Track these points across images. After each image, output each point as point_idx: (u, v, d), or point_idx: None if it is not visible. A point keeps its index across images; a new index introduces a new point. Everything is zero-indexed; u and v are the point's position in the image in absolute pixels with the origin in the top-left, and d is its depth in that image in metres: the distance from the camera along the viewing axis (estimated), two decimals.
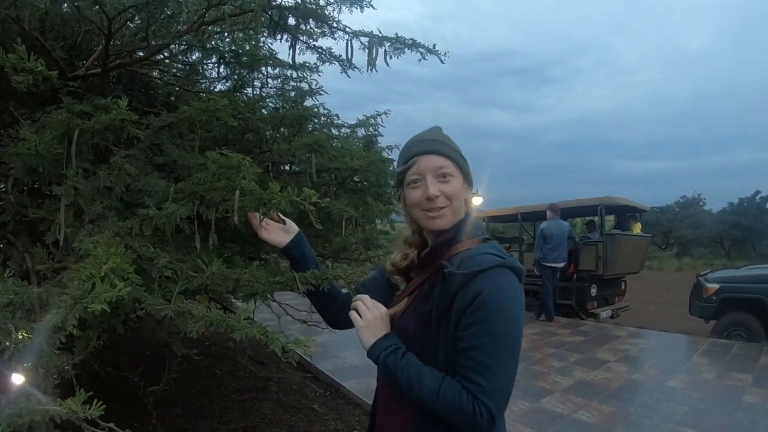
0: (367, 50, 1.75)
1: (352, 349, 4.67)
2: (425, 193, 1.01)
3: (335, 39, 1.89)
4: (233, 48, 2.13)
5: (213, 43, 2.08)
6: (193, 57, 2.19)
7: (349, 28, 1.80)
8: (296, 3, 1.68)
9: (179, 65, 2.31)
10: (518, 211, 8.86)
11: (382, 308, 1.06)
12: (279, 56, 2.21)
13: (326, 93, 2.13)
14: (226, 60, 2.08)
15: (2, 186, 1.46)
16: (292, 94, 2.14)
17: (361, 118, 2.34)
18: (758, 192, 27.86)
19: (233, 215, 1.17)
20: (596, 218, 7.93)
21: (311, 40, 2.02)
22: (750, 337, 5.95)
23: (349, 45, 1.81)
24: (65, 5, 1.77)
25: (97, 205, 1.31)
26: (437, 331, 0.95)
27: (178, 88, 2.24)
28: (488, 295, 0.89)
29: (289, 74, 2.31)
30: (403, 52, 1.75)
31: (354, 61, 1.88)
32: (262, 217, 1.18)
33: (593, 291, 7.65)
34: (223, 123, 1.50)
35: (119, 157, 1.39)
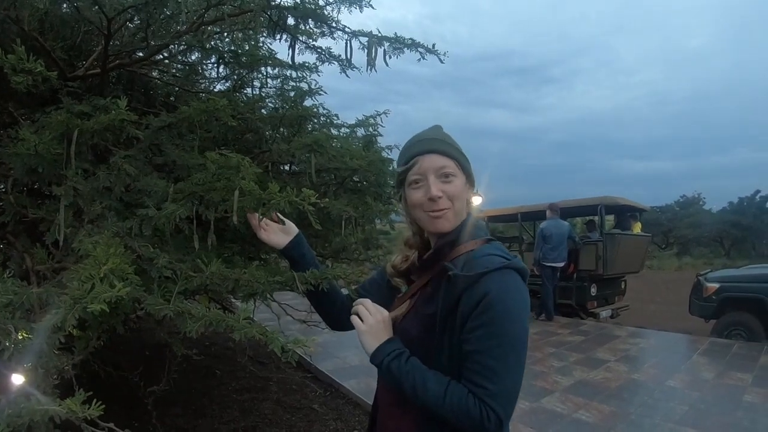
0: (366, 50, 1.75)
1: (352, 349, 4.67)
2: (427, 194, 0.98)
3: (334, 39, 1.89)
4: (232, 48, 2.13)
5: (212, 43, 2.08)
6: (193, 57, 2.19)
7: (349, 28, 1.80)
8: (295, 3, 1.68)
9: (179, 65, 2.31)
10: (518, 210, 8.86)
11: (384, 312, 1.04)
12: (278, 56, 2.21)
13: (325, 93, 2.13)
14: (226, 60, 2.08)
15: (2, 186, 1.46)
16: (292, 94, 2.15)
17: (360, 118, 2.33)
18: (758, 191, 27.88)
19: (232, 215, 1.17)
20: (596, 218, 7.93)
21: (310, 40, 2.02)
22: (750, 336, 5.96)
23: (349, 45, 1.81)
24: (64, 6, 1.77)
25: (97, 205, 1.31)
26: (441, 334, 0.93)
27: (177, 89, 2.24)
28: (494, 297, 0.87)
29: (288, 74, 2.31)
30: (403, 52, 1.75)
31: (353, 61, 1.87)
32: (261, 217, 1.18)
33: (593, 290, 7.65)
34: (223, 123, 1.50)
35: (119, 158, 1.39)
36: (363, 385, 3.87)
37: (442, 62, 1.78)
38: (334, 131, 2.37)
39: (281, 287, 1.26)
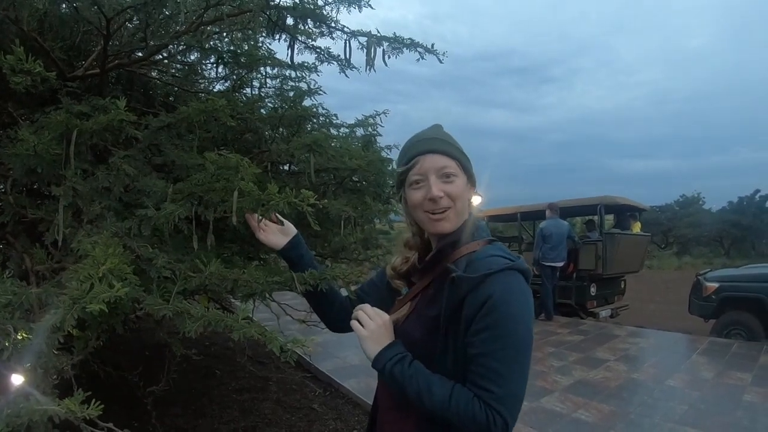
0: (365, 50, 1.75)
1: (352, 348, 4.67)
2: (428, 194, 0.97)
3: (333, 39, 1.89)
4: (232, 48, 2.14)
5: (211, 43, 2.09)
6: (192, 57, 2.19)
7: (348, 28, 1.80)
8: (294, 3, 1.68)
9: (178, 65, 2.32)
10: (518, 210, 8.86)
11: (385, 315, 1.03)
12: (277, 56, 2.21)
13: (325, 93, 2.13)
14: (225, 60, 2.08)
15: (1, 187, 1.46)
16: (291, 94, 2.15)
17: (359, 118, 2.34)
18: (758, 191, 27.87)
19: (232, 216, 1.17)
20: (596, 217, 7.93)
21: (310, 40, 2.03)
22: (749, 336, 5.96)
23: (348, 45, 1.81)
24: (63, 6, 1.77)
25: (96, 205, 1.31)
26: (445, 336, 0.92)
27: (176, 89, 2.24)
28: (498, 299, 0.86)
29: (287, 74, 2.31)
30: (402, 52, 1.75)
31: (352, 61, 1.88)
32: (260, 218, 1.18)
33: (593, 290, 7.65)
34: (222, 123, 1.51)
35: (118, 158, 1.39)
36: (363, 384, 3.87)
37: (441, 62, 1.78)
38: (333, 131, 2.37)
39: (280, 287, 1.27)
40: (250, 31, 2.08)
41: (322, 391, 3.86)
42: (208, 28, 1.80)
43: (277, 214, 1.21)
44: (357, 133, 2.36)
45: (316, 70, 2.23)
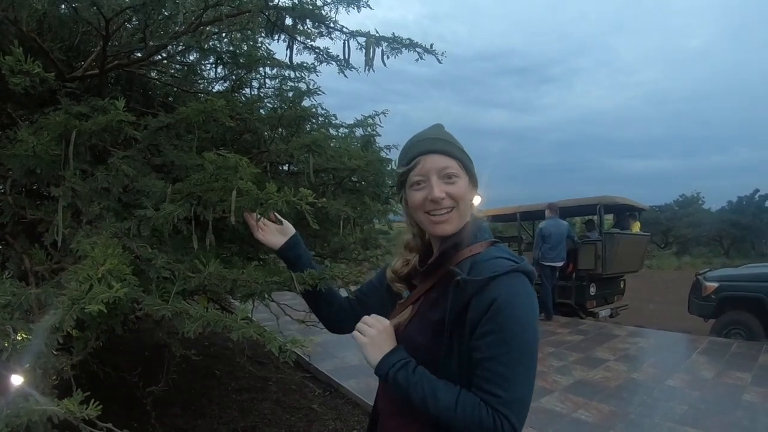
0: (364, 50, 1.75)
1: (352, 349, 4.66)
2: (430, 195, 0.95)
3: (332, 39, 1.89)
4: (231, 48, 2.14)
5: (210, 43, 2.09)
6: (191, 57, 2.19)
7: (346, 28, 1.80)
8: (293, 3, 1.68)
9: (177, 66, 2.32)
10: (517, 210, 8.87)
11: (385, 321, 1.00)
12: (276, 56, 2.22)
13: (324, 93, 2.13)
14: (224, 60, 2.08)
15: (1, 187, 1.46)
16: (290, 94, 2.14)
17: (359, 118, 2.34)
18: (757, 191, 27.91)
19: (230, 215, 1.17)
20: (595, 217, 7.94)
21: (308, 41, 2.03)
22: (749, 335, 5.97)
23: (347, 45, 1.81)
24: (63, 6, 1.77)
25: (95, 206, 1.31)
26: (450, 340, 0.90)
27: (175, 89, 2.24)
28: (504, 302, 0.85)
29: (286, 74, 2.32)
30: (400, 52, 1.75)
31: (351, 61, 1.87)
32: (258, 217, 1.18)
33: (592, 290, 7.65)
34: (221, 123, 1.51)
35: (117, 158, 1.39)
36: (362, 385, 3.87)
37: (440, 62, 1.78)
38: (332, 131, 2.37)
39: (279, 287, 1.27)
40: (249, 32, 2.09)
41: (321, 392, 3.87)
42: (207, 28, 1.80)
43: (276, 214, 1.21)
44: (356, 134, 2.36)
45: (315, 71, 2.24)
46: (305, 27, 1.85)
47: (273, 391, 3.72)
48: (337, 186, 1.97)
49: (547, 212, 7.25)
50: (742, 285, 6.25)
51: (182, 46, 1.96)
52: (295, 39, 1.89)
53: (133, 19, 1.78)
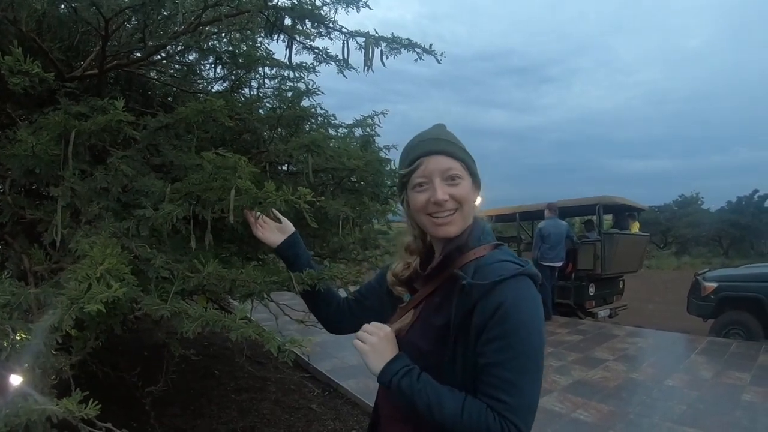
0: (363, 50, 1.75)
1: (351, 349, 4.58)
2: (433, 197, 0.92)
3: (332, 39, 1.89)
4: (230, 48, 2.14)
5: (210, 43, 2.09)
6: (190, 57, 2.19)
7: (345, 28, 1.80)
8: (292, 3, 1.68)
9: (176, 66, 2.32)
10: (516, 210, 8.87)
11: (385, 327, 0.98)
12: (276, 56, 2.22)
13: (323, 93, 2.13)
14: (223, 60, 2.08)
15: (0, 187, 1.46)
16: (289, 94, 2.15)
17: (358, 118, 2.34)
18: (756, 191, 27.89)
19: (229, 215, 1.18)
20: (594, 217, 7.94)
21: (308, 41, 2.03)
22: (748, 335, 5.97)
23: (346, 45, 1.81)
24: (62, 6, 1.77)
25: (94, 206, 1.32)
26: (454, 345, 0.88)
27: (175, 89, 2.24)
28: (510, 306, 0.83)
29: (286, 74, 2.32)
30: (399, 53, 1.75)
31: (351, 61, 1.87)
32: (258, 215, 1.19)
33: (591, 290, 7.66)
34: (220, 123, 1.51)
35: (116, 158, 1.39)
36: (361, 385, 3.87)
37: (438, 62, 1.78)
38: (331, 131, 2.37)
39: (278, 287, 1.27)
40: (248, 32, 2.09)
41: (320, 392, 3.86)
42: (207, 28, 1.81)
43: (276, 212, 1.21)
44: (355, 134, 2.36)
45: (315, 71, 2.24)
46: (304, 27, 1.85)
47: (272, 391, 3.72)
48: (336, 186, 1.97)
49: (546, 212, 7.26)
50: (741, 285, 6.26)
51: (181, 46, 1.97)
52: (295, 39, 1.89)
53: (133, 19, 1.78)
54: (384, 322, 1.02)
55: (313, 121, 2.25)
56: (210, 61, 2.18)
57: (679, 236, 29.66)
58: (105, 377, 2.23)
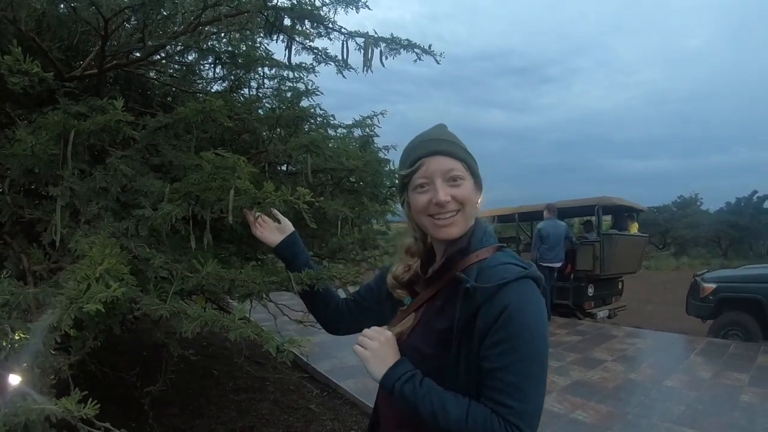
0: (362, 51, 1.75)
1: (350, 349, 4.60)
2: (434, 199, 0.91)
3: (331, 40, 1.89)
4: (229, 49, 2.14)
5: (209, 43, 2.09)
6: (190, 57, 2.19)
7: (345, 28, 1.80)
8: (292, 4, 1.68)
9: (176, 66, 2.32)
10: (515, 211, 8.88)
11: (386, 332, 0.97)
12: (275, 57, 2.22)
13: (322, 93, 2.13)
14: (223, 61, 2.09)
15: None
16: (289, 94, 2.15)
17: (357, 119, 2.34)
18: (755, 192, 27.93)
19: (228, 215, 1.18)
20: (593, 218, 7.95)
21: (307, 41, 2.03)
22: (747, 336, 5.98)
23: (345, 46, 1.81)
24: (62, 6, 1.78)
25: (93, 205, 1.32)
26: (458, 349, 0.87)
27: (174, 89, 2.24)
28: (514, 309, 0.82)
29: (285, 75, 2.32)
30: (399, 53, 1.75)
31: (350, 61, 1.87)
32: (257, 214, 1.19)
33: (590, 291, 7.67)
34: (219, 124, 1.51)
35: (115, 158, 1.39)
36: (360, 385, 3.87)
37: (438, 63, 1.78)
38: (330, 132, 2.37)
39: (277, 287, 1.27)
40: (247, 32, 2.09)
41: (319, 392, 3.86)
42: (206, 28, 1.81)
43: (275, 211, 1.21)
44: (354, 134, 2.37)
45: (314, 71, 2.24)
46: (304, 27, 1.85)
47: (271, 391, 3.72)
48: (335, 186, 1.97)
49: (545, 213, 7.26)
50: (739, 286, 6.27)
51: (181, 46, 1.97)
52: (294, 39, 1.89)
53: (132, 19, 1.78)
54: (383, 324, 1.02)
55: (312, 121, 2.25)
56: (209, 61, 2.18)
57: (678, 237, 29.69)
58: (104, 377, 2.23)
